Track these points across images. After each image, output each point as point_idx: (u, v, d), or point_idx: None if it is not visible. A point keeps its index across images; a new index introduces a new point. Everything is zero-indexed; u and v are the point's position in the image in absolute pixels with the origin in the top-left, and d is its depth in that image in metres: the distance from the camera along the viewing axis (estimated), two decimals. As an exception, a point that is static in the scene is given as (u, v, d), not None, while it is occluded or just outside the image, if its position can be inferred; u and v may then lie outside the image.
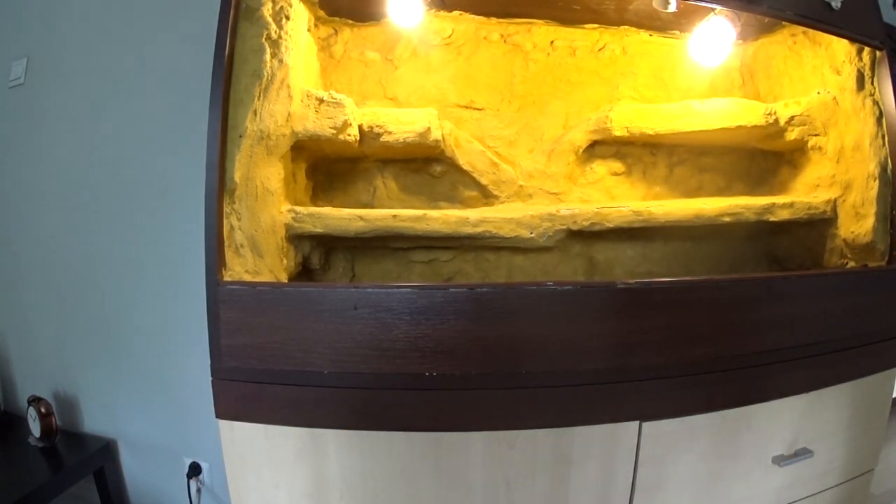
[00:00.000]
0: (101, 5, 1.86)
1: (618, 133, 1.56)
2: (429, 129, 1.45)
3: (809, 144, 1.57)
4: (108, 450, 1.94)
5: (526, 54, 1.62)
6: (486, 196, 1.55)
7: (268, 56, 1.31)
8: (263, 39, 1.32)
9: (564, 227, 1.45)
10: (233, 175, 1.28)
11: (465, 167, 1.53)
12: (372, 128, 1.43)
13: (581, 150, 1.59)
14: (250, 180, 1.30)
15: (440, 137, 1.46)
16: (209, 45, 1.34)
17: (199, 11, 1.74)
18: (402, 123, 1.44)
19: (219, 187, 1.26)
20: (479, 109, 1.60)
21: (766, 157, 1.69)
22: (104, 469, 1.92)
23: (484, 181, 1.54)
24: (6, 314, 2.04)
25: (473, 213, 1.43)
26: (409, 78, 1.58)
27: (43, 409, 1.86)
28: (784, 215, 1.49)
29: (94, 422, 1.98)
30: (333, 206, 1.51)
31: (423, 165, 1.57)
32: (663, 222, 1.46)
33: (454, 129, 1.53)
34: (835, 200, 1.52)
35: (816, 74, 1.54)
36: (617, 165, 1.64)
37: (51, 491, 1.72)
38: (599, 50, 1.64)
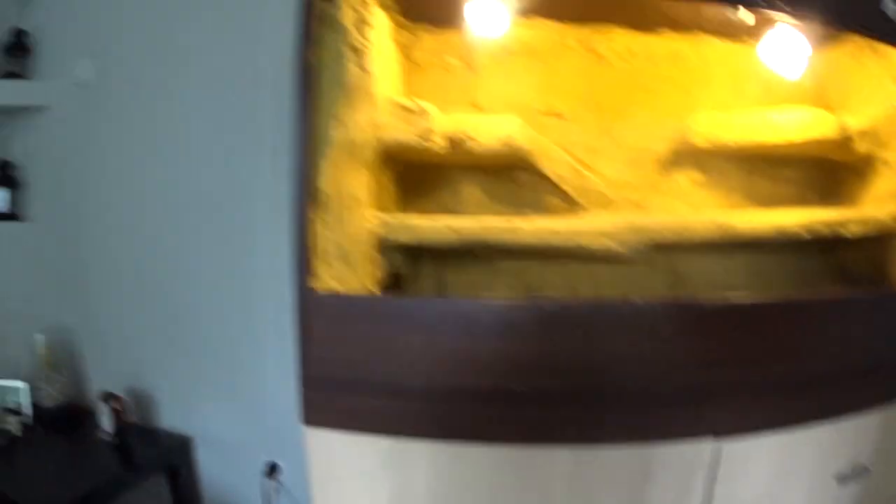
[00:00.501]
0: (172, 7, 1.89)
1: (700, 144, 1.52)
2: (511, 136, 1.43)
3: (877, 157, 1.52)
4: (183, 446, 1.98)
5: (605, 61, 1.59)
6: (570, 203, 1.53)
7: (350, 64, 1.31)
8: (345, 46, 1.32)
9: (651, 239, 1.42)
10: (320, 183, 1.28)
11: (549, 174, 1.51)
12: (456, 135, 1.42)
13: (663, 160, 1.56)
14: (337, 189, 1.30)
15: (523, 144, 1.44)
16: (286, 51, 1.35)
17: (275, 14, 1.75)
18: (485, 131, 1.43)
19: (305, 195, 1.27)
20: (560, 116, 1.57)
21: (835, 167, 1.64)
22: (178, 465, 1.96)
23: (568, 189, 1.51)
24: (80, 310, 2.09)
25: (562, 224, 1.41)
26: (491, 84, 1.56)
27: (116, 405, 1.90)
28: (856, 230, 1.46)
29: (170, 419, 2.01)
30: (420, 214, 1.52)
31: (508, 172, 1.55)
32: (748, 238, 1.44)
33: (537, 136, 1.51)
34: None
35: (881, 85, 1.51)
36: (696, 175, 1.60)
37: (122, 485, 1.76)
38: (676, 57, 1.61)
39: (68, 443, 1.91)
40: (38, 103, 2.04)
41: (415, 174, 1.55)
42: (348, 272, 1.29)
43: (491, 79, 1.58)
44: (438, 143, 1.41)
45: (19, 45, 2.04)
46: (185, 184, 1.92)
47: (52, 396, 2.00)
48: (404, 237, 1.37)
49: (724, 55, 1.64)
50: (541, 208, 1.55)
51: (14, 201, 2.09)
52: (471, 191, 1.57)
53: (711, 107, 1.63)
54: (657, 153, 1.55)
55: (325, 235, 1.29)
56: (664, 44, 1.61)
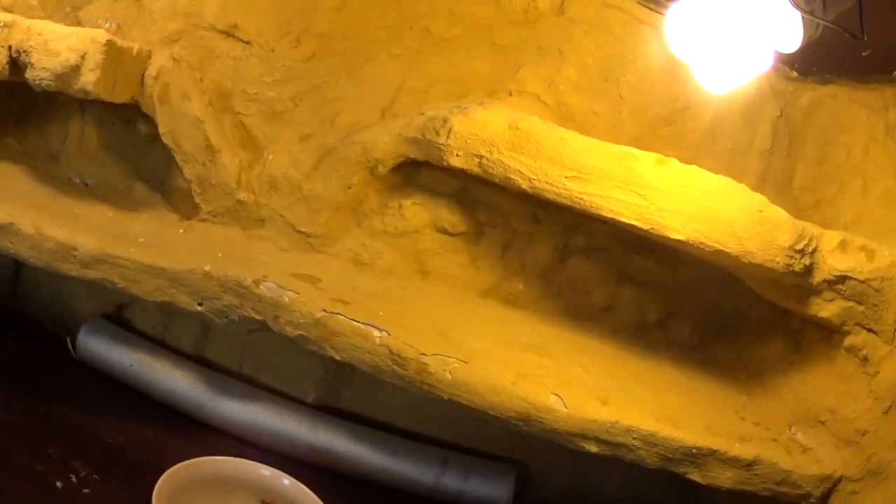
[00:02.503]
0: None
1: (457, 162, 0.79)
2: (78, 66, 0.78)
3: (846, 342, 0.82)
4: None
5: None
6: (190, 201, 0.88)
7: None
8: None
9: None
10: None
11: (166, 138, 0.85)
12: (20, 53, 0.80)
13: (382, 169, 0.84)
14: None
15: (95, 81, 0.78)
16: None
17: None
18: (48, 52, 0.79)
19: None
20: (244, 42, 0.88)
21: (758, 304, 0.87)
22: None
23: (187, 173, 0.85)
24: None
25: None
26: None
27: None
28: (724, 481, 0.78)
29: None
30: (23, 147, 0.94)
31: (132, 116, 0.91)
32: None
33: (175, 71, 0.84)
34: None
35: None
36: (451, 218, 0.87)
37: None
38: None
39: None
40: None
41: (31, 93, 0.94)
42: None
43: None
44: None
45: None
46: None
47: None
48: None
49: (606, 17, 0.87)
50: (166, 191, 0.91)
51: None
52: (85, 132, 0.93)
53: (544, 102, 0.87)
54: (372, 155, 0.82)
55: None
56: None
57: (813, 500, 0.79)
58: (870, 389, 0.82)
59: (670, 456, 0.78)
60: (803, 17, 0.73)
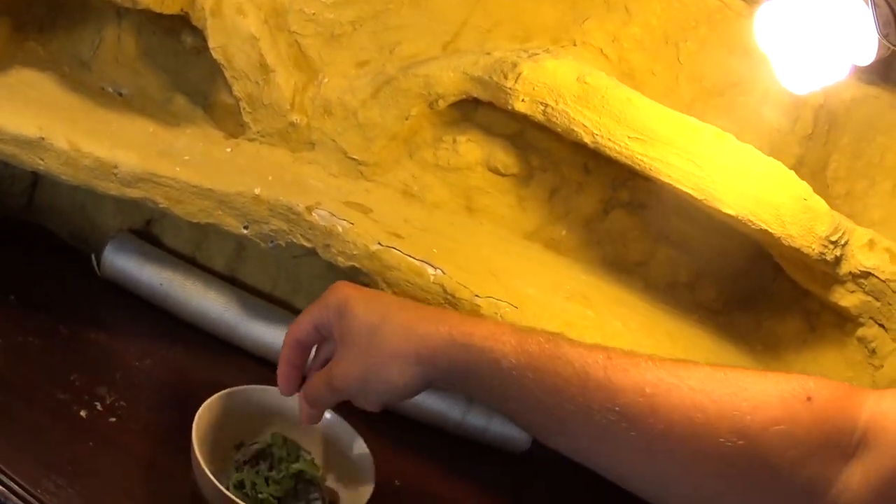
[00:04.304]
0: None
1: (521, 107, 0.79)
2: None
3: (859, 332, 0.87)
4: None
5: None
6: (237, 119, 0.85)
7: None
8: None
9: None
10: None
11: (216, 53, 0.82)
12: None
13: (442, 104, 0.82)
14: None
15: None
16: None
17: None
18: None
19: None
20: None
21: (781, 281, 0.90)
22: None
23: (237, 90, 0.82)
24: None
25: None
26: None
27: None
28: None
29: None
30: (47, 52, 0.88)
31: (176, 26, 0.86)
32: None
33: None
34: None
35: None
36: (505, 159, 0.87)
37: None
38: None
39: None
40: None
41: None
42: None
43: None
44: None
45: None
46: None
47: None
48: None
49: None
50: (210, 107, 0.88)
51: None
52: (122, 40, 0.88)
53: (606, 57, 0.87)
54: (434, 89, 0.81)
55: None
56: None
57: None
58: (873, 380, 0.88)
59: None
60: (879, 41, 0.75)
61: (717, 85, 0.90)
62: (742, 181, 0.79)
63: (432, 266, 0.76)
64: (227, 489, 0.64)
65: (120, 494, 0.67)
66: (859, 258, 0.82)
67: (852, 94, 0.92)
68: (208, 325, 0.86)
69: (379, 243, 0.76)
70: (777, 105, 0.91)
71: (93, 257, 0.89)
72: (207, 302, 0.86)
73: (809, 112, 0.92)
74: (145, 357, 0.82)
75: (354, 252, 0.76)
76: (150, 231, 0.92)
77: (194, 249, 0.91)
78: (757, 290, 0.94)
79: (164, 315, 0.87)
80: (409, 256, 0.76)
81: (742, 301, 0.95)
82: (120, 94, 0.91)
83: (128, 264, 0.87)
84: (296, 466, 0.69)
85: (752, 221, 0.79)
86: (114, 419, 0.73)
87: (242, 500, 0.63)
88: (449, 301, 0.76)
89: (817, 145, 0.93)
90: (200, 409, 0.68)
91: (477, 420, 0.87)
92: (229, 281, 0.90)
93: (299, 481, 0.69)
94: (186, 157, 0.80)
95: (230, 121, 0.87)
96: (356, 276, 0.77)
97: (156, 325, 0.87)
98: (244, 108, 0.84)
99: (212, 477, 0.62)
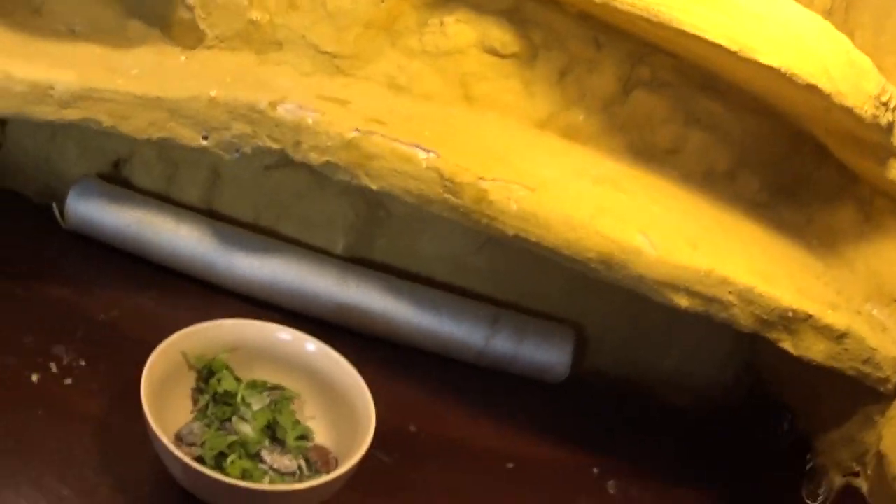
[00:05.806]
0: None
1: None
2: None
3: None
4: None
5: None
6: (196, 33, 0.74)
7: None
8: None
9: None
10: None
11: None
12: None
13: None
14: None
15: None
16: None
17: None
18: None
19: None
20: None
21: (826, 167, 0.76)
22: None
23: (189, -3, 0.73)
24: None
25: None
26: None
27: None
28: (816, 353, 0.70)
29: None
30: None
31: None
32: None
33: None
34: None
35: None
36: (502, 36, 0.74)
37: None
38: None
39: None
40: None
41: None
42: None
43: None
44: None
45: None
46: None
47: None
48: None
49: None
50: (166, 25, 0.78)
51: None
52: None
53: None
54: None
55: None
56: None
57: (890, 385, 0.69)
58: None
59: (765, 317, 0.67)
60: None
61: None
62: (778, 30, 0.64)
63: (423, 149, 0.64)
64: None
65: (70, 463, 0.58)
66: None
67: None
68: (183, 265, 0.76)
69: (357, 129, 0.64)
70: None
71: (54, 206, 0.79)
72: (180, 239, 0.75)
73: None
74: (112, 308, 0.72)
75: (328, 143, 0.64)
76: (118, 173, 0.82)
77: (166, 185, 0.81)
78: (800, 180, 0.80)
79: (136, 261, 0.77)
80: (395, 141, 0.64)
81: (787, 193, 0.80)
82: (73, 32, 0.83)
83: (92, 210, 0.77)
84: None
85: (797, 75, 0.63)
86: (70, 380, 0.65)
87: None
88: (448, 188, 0.63)
89: (838, 21, 0.78)
90: (153, 354, 0.57)
91: (504, 345, 0.73)
92: (207, 215, 0.79)
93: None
94: (135, 71, 0.70)
95: (188, 35, 0.76)
96: (334, 173, 0.65)
97: (126, 272, 0.77)
98: (199, 15, 0.74)
99: (162, 437, 0.52)
